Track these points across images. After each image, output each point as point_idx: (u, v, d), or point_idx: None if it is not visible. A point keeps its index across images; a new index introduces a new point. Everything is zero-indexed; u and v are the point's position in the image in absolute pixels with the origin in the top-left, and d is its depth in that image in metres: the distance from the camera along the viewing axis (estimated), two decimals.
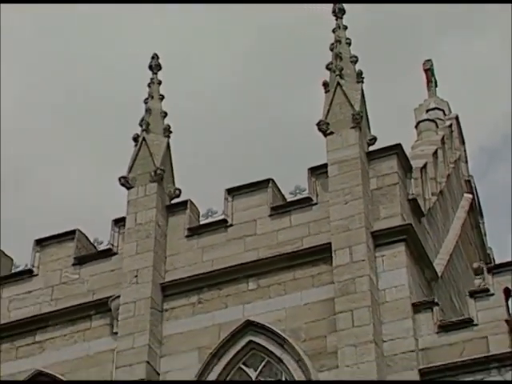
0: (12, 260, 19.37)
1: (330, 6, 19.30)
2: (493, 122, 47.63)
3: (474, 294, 15.84)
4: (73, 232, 18.84)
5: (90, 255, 18.59)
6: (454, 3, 40.96)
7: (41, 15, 46.93)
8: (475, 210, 23.74)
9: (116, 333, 17.22)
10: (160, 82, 20.04)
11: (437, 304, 16.00)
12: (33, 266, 18.83)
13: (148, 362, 16.55)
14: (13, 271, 19.16)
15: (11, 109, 42.68)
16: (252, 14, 43.00)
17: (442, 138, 22.29)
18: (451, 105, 24.59)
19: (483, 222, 24.06)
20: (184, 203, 18.40)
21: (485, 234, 23.99)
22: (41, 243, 19.06)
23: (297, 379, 15.86)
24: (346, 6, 19.38)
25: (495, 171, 46.38)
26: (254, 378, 16.28)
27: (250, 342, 16.49)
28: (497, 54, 44.30)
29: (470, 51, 46.25)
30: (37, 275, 18.73)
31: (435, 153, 20.89)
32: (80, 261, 18.49)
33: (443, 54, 44.88)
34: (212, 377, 16.39)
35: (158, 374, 16.68)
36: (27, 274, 18.81)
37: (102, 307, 17.71)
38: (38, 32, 47.36)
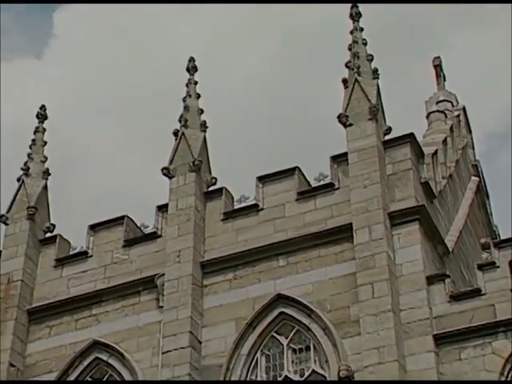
0: (69, 243, 19.43)
1: (347, 7, 19.22)
2: (499, 110, 47.40)
3: (481, 267, 15.87)
4: (122, 218, 18.92)
5: (138, 238, 18.69)
6: (458, 3, 40.94)
7: (92, 18, 47.16)
8: (482, 192, 23.57)
9: (162, 306, 17.29)
10: (196, 83, 20.00)
11: (448, 276, 16.03)
12: (88, 248, 18.94)
13: (191, 332, 16.66)
14: (70, 253, 19.23)
15: (67, 103, 42.71)
16: (278, 16, 43.01)
17: (451, 127, 22.14)
18: (459, 97, 24.41)
19: (489, 203, 23.88)
20: (220, 190, 18.43)
21: (491, 213, 23.81)
22: (94, 228, 19.13)
23: (323, 345, 15.85)
24: (363, 6, 19.23)
25: (502, 155, 46.34)
26: (285, 345, 16.30)
27: (281, 313, 16.53)
28: (500, 48, 44.13)
29: (476, 46, 46.05)
30: (91, 256, 18.83)
31: (445, 140, 20.78)
32: (129, 243, 18.58)
33: (452, 48, 44.68)
34: (248, 344, 16.47)
35: (200, 343, 16.79)
36: (83, 255, 18.92)
37: (149, 284, 17.79)
38: (89, 34, 47.69)
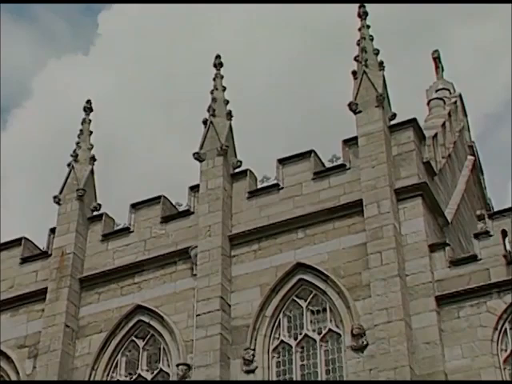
0: (114, 220, 19.47)
1: (356, 7, 19.13)
2: (494, 92, 46.95)
3: (477, 236, 15.87)
4: (159, 197, 18.92)
5: (173, 215, 18.69)
6: (458, 3, 40.58)
7: (132, 18, 47.04)
8: (477, 169, 23.38)
9: (195, 274, 17.37)
10: (222, 77, 19.90)
11: (448, 244, 16.06)
12: (129, 225, 18.97)
13: (221, 297, 16.72)
14: (115, 229, 19.26)
15: (111, 94, 43.10)
16: (296, 15, 42.77)
17: (449, 112, 21.99)
18: (457, 84, 24.30)
19: (483, 179, 23.76)
20: (244, 172, 18.43)
21: (485, 188, 23.69)
22: (135, 206, 19.12)
23: (338, 307, 15.91)
24: (370, 5, 19.12)
25: (499, 133, 46.07)
26: (304, 307, 16.33)
27: (301, 279, 16.59)
28: (497, 37, 43.69)
29: (473, 36, 45.62)
30: (132, 231, 18.86)
31: (443, 124, 20.68)
32: (165, 219, 18.59)
33: (453, 38, 44.39)
34: (271, 307, 16.51)
35: (230, 306, 16.81)
36: (125, 230, 18.97)
37: (183, 255, 17.85)
38: (129, 32, 47.63)
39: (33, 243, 20.01)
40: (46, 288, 18.64)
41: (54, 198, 19.84)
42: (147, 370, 17.27)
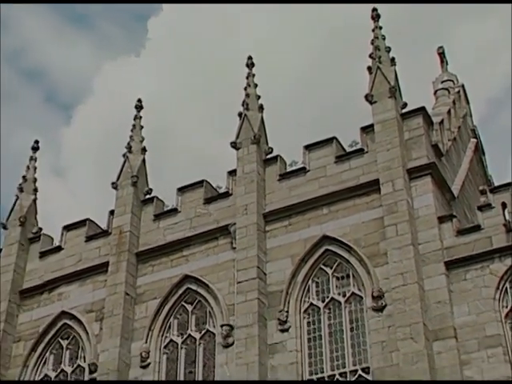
0: (163, 202, 19.49)
1: (369, 10, 19.06)
2: (495, 80, 46.29)
3: (480, 208, 15.85)
4: (202, 181, 18.94)
5: (214, 196, 18.68)
6: (460, 3, 39.93)
7: (176, 23, 46.97)
8: (479, 150, 23.20)
9: (235, 248, 17.38)
10: (254, 75, 19.82)
11: (455, 216, 16.03)
12: (177, 206, 18.99)
13: (258, 267, 16.76)
14: (164, 209, 19.27)
15: (159, 90, 43.26)
16: (319, 16, 42.56)
17: (453, 101, 21.87)
18: (459, 76, 24.07)
19: (485, 158, 23.55)
20: (275, 157, 18.39)
21: (486, 166, 23.49)
22: (181, 190, 19.13)
23: (360, 273, 15.89)
24: (383, 6, 19.04)
25: (500, 116, 45.33)
26: (330, 274, 16.32)
27: (327, 250, 16.60)
28: (497, 34, 43.01)
29: (475, 33, 44.92)
30: (180, 211, 18.87)
31: (449, 111, 20.56)
32: (207, 200, 18.62)
33: (454, 36, 43.72)
34: (301, 274, 16.49)
35: (265, 274, 16.81)
36: (174, 211, 18.91)
37: (224, 231, 17.85)
38: (174, 36, 47.55)
39: (95, 223, 20.15)
40: (108, 262, 18.78)
41: (112, 184, 19.95)
42: (196, 331, 17.36)
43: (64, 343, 18.77)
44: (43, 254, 20.21)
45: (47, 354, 18.83)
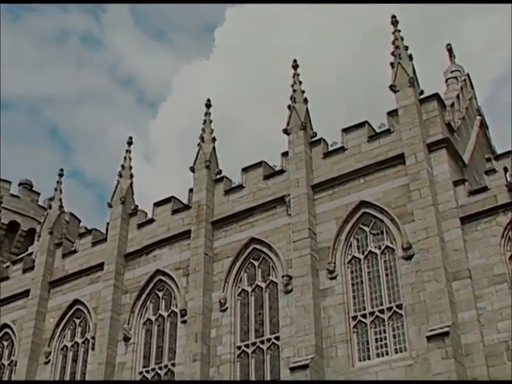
0: (231, 181, 19.75)
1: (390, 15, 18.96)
2: (498, 63, 45.37)
3: (487, 172, 15.95)
4: (261, 162, 19.11)
5: (272, 173, 18.80)
6: (465, 3, 39.13)
7: (237, 31, 48.33)
8: (484, 126, 22.95)
9: (290, 214, 17.62)
10: (299, 74, 19.78)
11: (466, 180, 16.17)
12: (242, 183, 19.26)
13: (309, 228, 16.87)
14: (232, 186, 19.52)
15: (226, 89, 44.22)
16: (356, 19, 42.56)
17: (461, 87, 21.77)
18: (465, 66, 23.89)
19: (489, 132, 23.36)
20: (319, 140, 18.44)
21: (490, 139, 23.25)
22: (245, 169, 19.23)
23: (391, 229, 15.97)
24: (402, 6, 19.03)
25: (503, 94, 44.45)
26: (368, 232, 16.39)
27: (364, 212, 16.76)
28: (498, 28, 42.05)
29: (479, 26, 44.04)
30: (244, 187, 19.15)
31: (458, 96, 20.52)
32: (266, 177, 18.78)
33: (463, 28, 42.99)
34: (344, 233, 16.56)
35: (315, 234, 16.89)
36: (240, 187, 19.24)
37: (281, 201, 18.05)
38: (236, 42, 48.59)
39: (179, 200, 20.52)
40: (190, 229, 19.18)
41: (191, 168, 20.19)
42: (262, 281, 17.65)
43: (160, 294, 19.33)
44: (140, 226, 20.75)
45: (148, 302, 19.38)
